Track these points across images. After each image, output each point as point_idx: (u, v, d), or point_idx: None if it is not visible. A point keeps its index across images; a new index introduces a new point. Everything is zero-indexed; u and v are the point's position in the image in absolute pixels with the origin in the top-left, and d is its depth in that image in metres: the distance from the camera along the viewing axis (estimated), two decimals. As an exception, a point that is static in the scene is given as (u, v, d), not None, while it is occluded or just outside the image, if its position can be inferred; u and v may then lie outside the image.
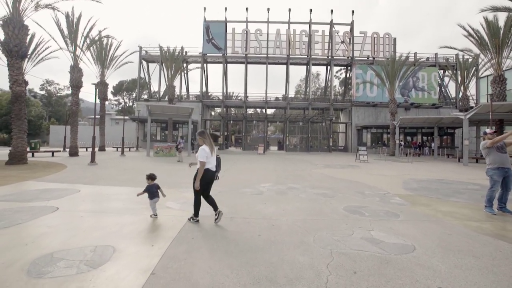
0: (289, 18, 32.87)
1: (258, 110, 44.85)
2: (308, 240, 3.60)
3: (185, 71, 34.80)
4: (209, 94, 36.85)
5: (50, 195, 5.87)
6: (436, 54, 31.80)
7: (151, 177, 4.57)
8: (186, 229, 3.92)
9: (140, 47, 32.83)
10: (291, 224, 4.28)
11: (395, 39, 32.43)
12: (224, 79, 34.00)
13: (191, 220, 4.36)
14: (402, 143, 24.95)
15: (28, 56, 16.78)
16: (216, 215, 4.28)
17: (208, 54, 33.36)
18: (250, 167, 12.82)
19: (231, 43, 32.92)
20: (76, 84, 17.96)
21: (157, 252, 3.09)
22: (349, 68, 35.18)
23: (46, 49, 18.39)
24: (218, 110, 46.78)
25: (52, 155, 16.69)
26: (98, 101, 22.52)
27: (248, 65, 33.70)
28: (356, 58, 32.35)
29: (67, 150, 20.20)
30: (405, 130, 28.60)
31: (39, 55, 18.46)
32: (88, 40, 18.50)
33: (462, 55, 22.83)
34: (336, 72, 35.65)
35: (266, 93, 33.28)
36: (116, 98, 62.47)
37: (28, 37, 12.30)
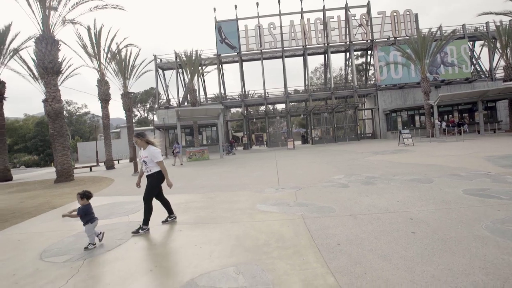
0: (302, 8, 31.82)
1: (273, 106, 43.92)
2: (484, 234, 2.84)
3: (202, 74, 34.43)
4: (226, 95, 36.36)
5: (124, 209, 5.38)
6: (463, 25, 29.72)
7: (86, 195, 3.49)
8: (316, 235, 3.24)
9: (155, 56, 32.72)
10: (432, 217, 3.52)
11: (416, 15, 30.66)
12: (242, 78, 33.41)
13: (140, 231, 3.74)
14: (442, 122, 23.40)
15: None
16: (169, 217, 4.21)
17: (222, 55, 32.82)
18: (297, 162, 12.07)
19: (245, 40, 32.18)
20: (104, 97, 17.85)
21: (320, 267, 2.42)
22: (369, 52, 33.73)
23: (69, 66, 18.43)
24: (233, 110, 46.34)
25: (90, 170, 16.63)
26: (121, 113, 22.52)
27: (264, 61, 32.93)
28: (376, 40, 30.84)
29: (101, 164, 20.21)
30: (439, 109, 26.92)
31: (63, 73, 18.53)
32: (111, 51, 18.32)
33: (500, 21, 21.12)
34: (347, 59, 34.07)
35: (285, 87, 32.33)
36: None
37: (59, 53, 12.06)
